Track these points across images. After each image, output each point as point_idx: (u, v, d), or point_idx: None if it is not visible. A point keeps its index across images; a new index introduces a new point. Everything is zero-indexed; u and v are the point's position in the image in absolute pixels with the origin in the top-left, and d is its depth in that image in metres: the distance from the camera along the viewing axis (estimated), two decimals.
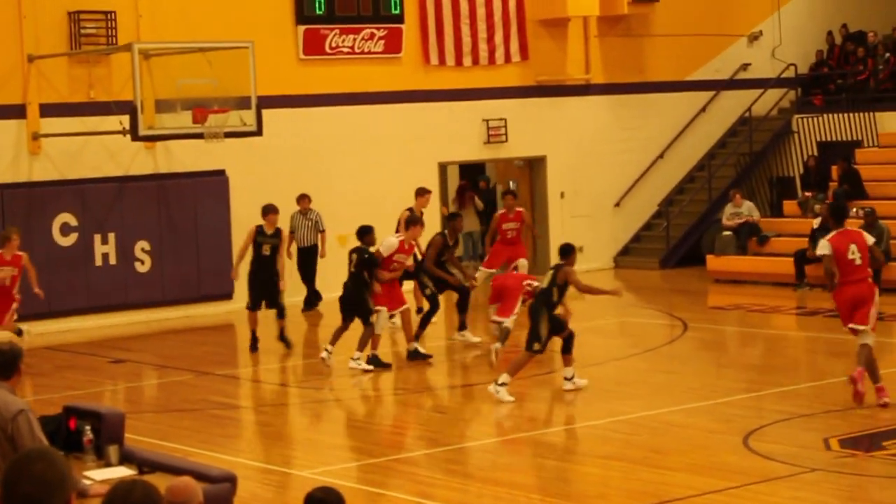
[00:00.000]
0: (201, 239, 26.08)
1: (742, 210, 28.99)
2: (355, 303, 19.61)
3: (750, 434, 14.91)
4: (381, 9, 28.26)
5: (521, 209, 24.67)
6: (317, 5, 27.55)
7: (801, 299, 25.61)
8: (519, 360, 17.56)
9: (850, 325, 16.09)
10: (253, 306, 21.52)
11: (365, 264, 19.58)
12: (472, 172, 33.00)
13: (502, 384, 17.17)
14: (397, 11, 28.46)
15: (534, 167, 31.04)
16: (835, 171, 29.12)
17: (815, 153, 31.13)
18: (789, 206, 29.86)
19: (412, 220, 20.55)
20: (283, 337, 21.63)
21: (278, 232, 21.65)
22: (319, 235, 26.09)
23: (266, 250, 21.41)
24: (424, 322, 21.24)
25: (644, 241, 31.67)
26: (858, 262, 16.12)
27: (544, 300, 17.65)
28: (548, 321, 17.46)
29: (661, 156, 31.68)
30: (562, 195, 30.73)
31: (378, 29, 28.30)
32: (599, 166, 30.90)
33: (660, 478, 13.49)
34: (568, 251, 18.11)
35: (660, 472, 13.69)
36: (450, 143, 29.30)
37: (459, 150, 29.65)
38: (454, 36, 29.28)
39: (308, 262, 26.15)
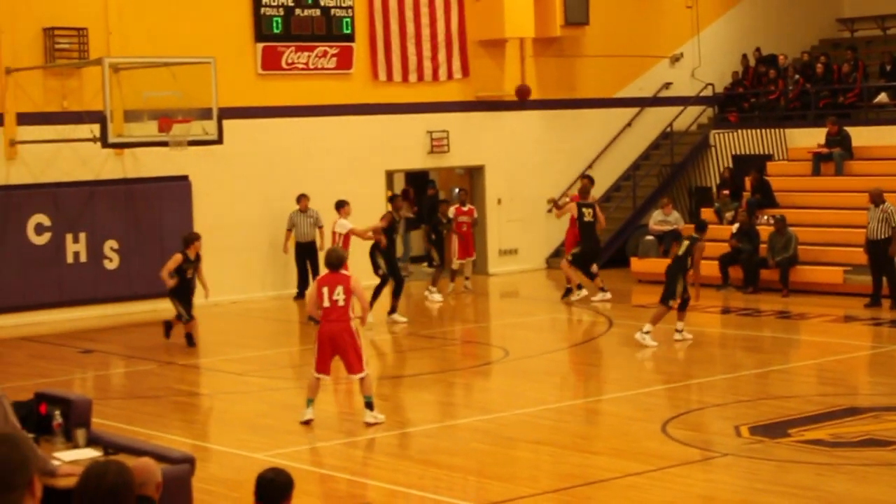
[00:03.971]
0: (165, 239, 25.91)
1: (670, 219, 29.09)
2: None
3: (668, 422, 14.97)
4: (334, 28, 28.21)
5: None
6: (274, 24, 27.46)
7: (725, 299, 25.65)
8: (658, 313, 20.41)
9: None
10: (189, 318, 21.48)
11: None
12: (417, 180, 32.98)
13: (647, 332, 20.20)
14: (349, 31, 28.41)
15: (473, 175, 31.07)
16: (748, 181, 29.27)
17: (731, 165, 31.30)
18: (706, 213, 29.94)
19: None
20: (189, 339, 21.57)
21: (198, 257, 21.53)
22: (318, 231, 26.74)
23: (189, 273, 21.43)
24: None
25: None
26: None
27: (680, 266, 20.29)
28: (682, 283, 20.28)
29: (590, 166, 31.75)
30: (499, 201, 30.78)
31: (331, 47, 28.24)
32: (533, 175, 30.96)
33: (585, 461, 13.53)
34: (703, 227, 21.04)
35: (585, 456, 13.73)
36: (396, 153, 29.28)
37: (405, 159, 29.65)
38: (401, 54, 29.25)
39: (308, 255, 26.57)
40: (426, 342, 22.18)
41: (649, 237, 29.03)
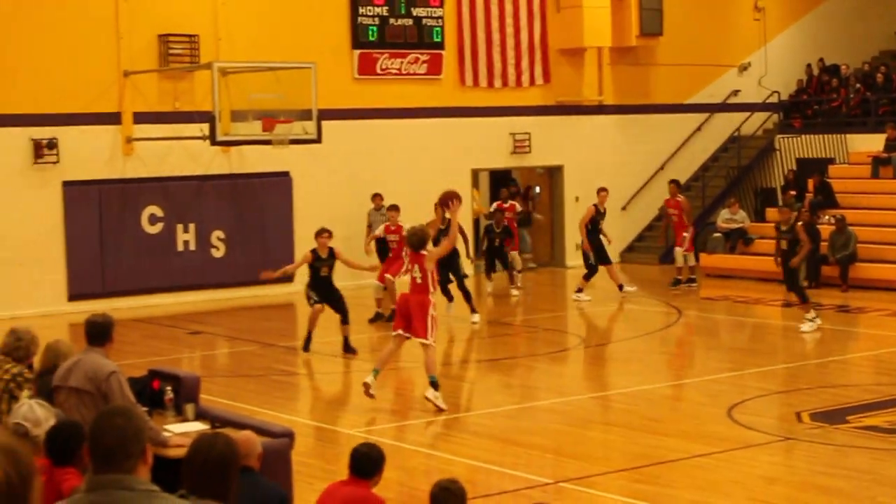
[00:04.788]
0: (268, 230, 26.16)
1: (737, 217, 28.87)
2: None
3: (733, 407, 14.88)
4: (425, 37, 28.27)
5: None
6: (370, 33, 27.57)
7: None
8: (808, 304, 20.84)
9: None
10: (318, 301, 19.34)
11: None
12: (500, 178, 32.91)
13: (811, 319, 20.49)
14: (439, 39, 28.46)
15: (553, 174, 31.02)
16: (811, 183, 29.01)
17: (794, 168, 31.03)
18: (771, 212, 29.69)
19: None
20: (347, 346, 19.30)
21: (332, 253, 19.31)
22: None
23: (324, 272, 19.33)
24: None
25: (646, 240, 31.59)
26: None
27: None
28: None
29: (661, 167, 31.59)
30: (576, 199, 30.66)
31: (422, 54, 28.29)
32: (609, 175, 30.78)
33: (655, 442, 13.49)
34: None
35: (655, 438, 13.68)
36: (481, 153, 29.30)
37: (489, 158, 29.65)
38: (487, 61, 29.26)
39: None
40: (507, 329, 22.18)
41: (717, 234, 28.86)
